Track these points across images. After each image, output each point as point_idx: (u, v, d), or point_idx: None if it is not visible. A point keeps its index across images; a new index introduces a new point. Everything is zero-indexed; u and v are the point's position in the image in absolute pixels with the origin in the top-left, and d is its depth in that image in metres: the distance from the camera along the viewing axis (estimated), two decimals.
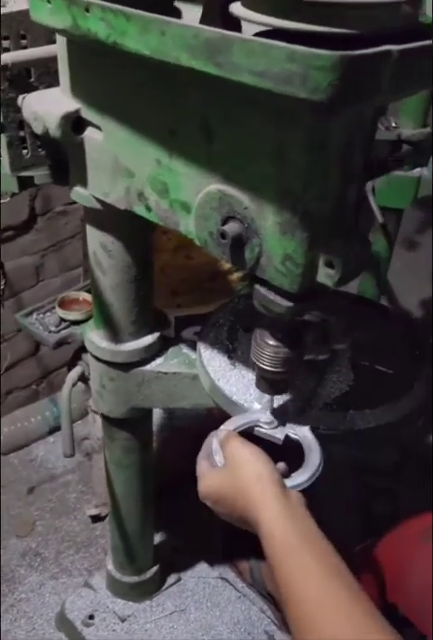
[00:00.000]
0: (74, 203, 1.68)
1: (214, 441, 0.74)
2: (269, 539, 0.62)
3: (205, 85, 0.57)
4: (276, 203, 0.60)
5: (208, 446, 0.76)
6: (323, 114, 0.51)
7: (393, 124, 1.66)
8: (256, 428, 0.78)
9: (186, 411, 0.79)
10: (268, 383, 0.75)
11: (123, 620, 1.31)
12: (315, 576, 0.58)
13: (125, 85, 0.69)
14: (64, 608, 1.36)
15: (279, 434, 0.76)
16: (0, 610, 1.42)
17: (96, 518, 1.60)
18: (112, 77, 0.70)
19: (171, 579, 1.37)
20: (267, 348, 0.72)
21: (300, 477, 0.70)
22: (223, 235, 0.63)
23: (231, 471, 0.69)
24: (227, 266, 1.48)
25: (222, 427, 0.78)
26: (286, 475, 0.70)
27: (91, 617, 1.33)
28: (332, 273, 0.62)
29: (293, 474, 0.71)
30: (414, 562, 0.99)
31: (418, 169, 1.68)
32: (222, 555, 1.47)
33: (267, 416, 0.78)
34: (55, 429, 1.85)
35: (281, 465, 0.71)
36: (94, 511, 1.59)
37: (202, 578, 1.38)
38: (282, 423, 0.77)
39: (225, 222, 0.64)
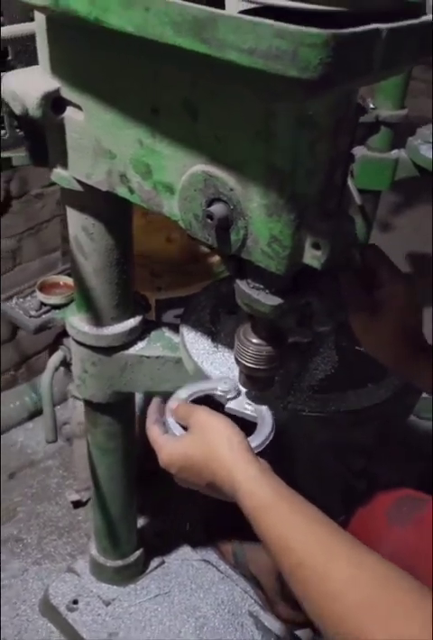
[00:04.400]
0: (50, 185, 1.66)
1: (168, 412, 0.74)
2: (248, 497, 0.64)
3: (189, 62, 0.56)
4: (262, 184, 0.59)
5: (155, 412, 0.75)
6: (313, 92, 0.50)
7: (371, 106, 1.66)
8: (217, 396, 0.78)
9: (169, 393, 0.78)
10: (252, 381, 0.75)
11: (107, 604, 1.31)
12: (298, 524, 0.60)
13: (107, 63, 0.67)
14: (48, 593, 1.35)
15: (236, 405, 0.77)
16: None
17: (78, 504, 1.59)
18: (93, 55, 0.68)
19: (155, 562, 1.38)
20: (250, 346, 0.72)
21: (252, 443, 0.71)
22: (210, 216, 0.63)
23: (199, 437, 0.69)
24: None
25: (179, 392, 0.77)
26: None
27: (75, 601, 1.32)
28: (318, 255, 0.62)
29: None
30: (381, 546, 0.99)
31: (395, 151, 1.69)
32: (205, 538, 1.48)
33: (225, 385, 0.78)
34: (35, 414, 1.83)
35: None
36: (75, 497, 1.58)
37: (185, 560, 1.39)
38: (239, 393, 0.78)
39: (210, 204, 0.63)
